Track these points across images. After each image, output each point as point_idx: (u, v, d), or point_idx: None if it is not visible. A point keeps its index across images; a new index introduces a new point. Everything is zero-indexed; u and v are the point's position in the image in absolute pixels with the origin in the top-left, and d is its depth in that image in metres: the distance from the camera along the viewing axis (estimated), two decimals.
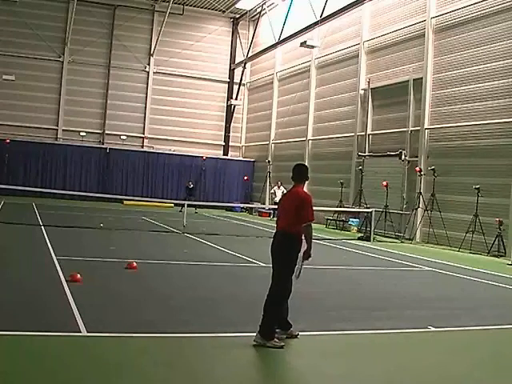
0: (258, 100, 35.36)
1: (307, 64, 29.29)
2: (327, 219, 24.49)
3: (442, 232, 18.76)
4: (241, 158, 35.98)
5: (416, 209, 19.95)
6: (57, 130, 32.69)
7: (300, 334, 6.30)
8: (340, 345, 6.35)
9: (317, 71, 28.70)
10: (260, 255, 12.87)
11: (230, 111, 35.57)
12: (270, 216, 28.79)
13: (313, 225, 6.33)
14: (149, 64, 34.37)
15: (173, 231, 17.92)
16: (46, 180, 30.81)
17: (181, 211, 21.77)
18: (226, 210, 31.75)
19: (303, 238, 6.21)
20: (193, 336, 6.11)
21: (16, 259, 10.36)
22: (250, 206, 31.43)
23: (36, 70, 32.06)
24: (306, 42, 26.29)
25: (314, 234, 6.48)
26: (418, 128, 20.98)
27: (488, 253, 16.87)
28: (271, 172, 31.26)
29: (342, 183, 24.35)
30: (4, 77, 31.29)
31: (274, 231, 6.40)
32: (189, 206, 20.48)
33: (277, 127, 32.43)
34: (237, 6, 33.55)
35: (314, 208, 6.31)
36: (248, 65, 35.37)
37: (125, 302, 7.67)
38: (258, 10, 33.80)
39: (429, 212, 19.23)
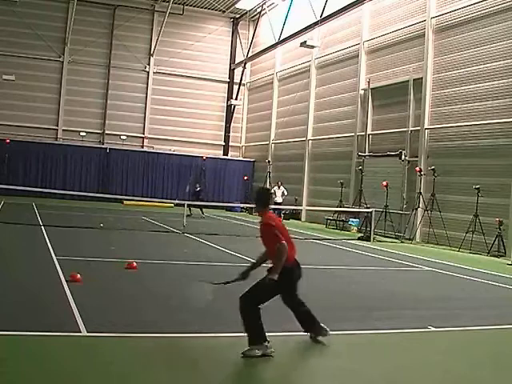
0: (258, 100, 35.36)
1: (307, 64, 29.29)
2: (327, 219, 24.45)
3: (442, 232, 18.76)
4: (241, 158, 35.98)
5: (416, 209, 19.95)
6: (57, 130, 32.70)
7: (300, 333, 6.30)
8: (340, 345, 6.35)
9: (317, 71, 28.70)
10: None
11: (230, 111, 35.58)
12: None
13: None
14: (149, 64, 34.38)
15: (173, 231, 17.91)
16: (46, 180, 30.81)
17: (189, 215, 21.08)
18: (226, 210, 31.73)
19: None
20: (193, 336, 6.11)
21: (16, 259, 10.36)
22: (250, 205, 31.38)
23: (36, 70, 32.06)
24: (305, 41, 26.31)
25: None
26: (418, 128, 20.98)
27: (488, 253, 16.86)
28: (271, 172, 31.25)
29: (342, 183, 24.33)
30: (4, 77, 31.28)
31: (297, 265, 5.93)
32: (188, 206, 20.42)
33: (277, 127, 32.43)
34: (237, 6, 33.56)
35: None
36: (248, 65, 35.38)
37: (125, 302, 7.67)
38: (258, 10, 33.80)
39: (429, 212, 19.22)
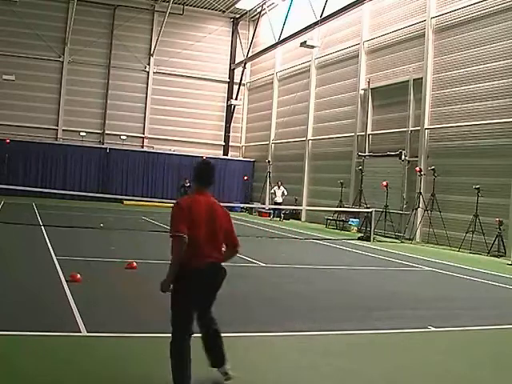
0: (258, 100, 35.36)
1: (307, 64, 29.29)
2: (327, 219, 24.43)
3: (442, 232, 18.76)
4: (241, 158, 35.98)
5: (416, 209, 19.94)
6: (57, 130, 32.67)
7: (300, 333, 6.29)
8: (340, 345, 6.35)
9: (317, 71, 28.70)
10: (260, 255, 12.88)
11: (230, 111, 35.57)
12: (269, 216, 28.80)
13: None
14: (149, 64, 34.37)
15: None
16: (46, 180, 30.79)
17: None
18: None
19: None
20: (192, 336, 6.10)
21: (16, 259, 10.36)
22: (250, 206, 31.43)
23: (36, 69, 32.04)
24: (305, 41, 26.30)
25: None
26: (418, 128, 20.98)
27: (488, 253, 16.86)
28: (271, 172, 31.26)
29: (341, 183, 24.33)
30: (4, 77, 31.26)
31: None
32: None
33: (277, 127, 32.43)
34: (237, 5, 33.55)
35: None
36: (248, 65, 35.37)
37: (125, 301, 7.67)
38: (258, 10, 33.79)
39: (429, 212, 19.22)
